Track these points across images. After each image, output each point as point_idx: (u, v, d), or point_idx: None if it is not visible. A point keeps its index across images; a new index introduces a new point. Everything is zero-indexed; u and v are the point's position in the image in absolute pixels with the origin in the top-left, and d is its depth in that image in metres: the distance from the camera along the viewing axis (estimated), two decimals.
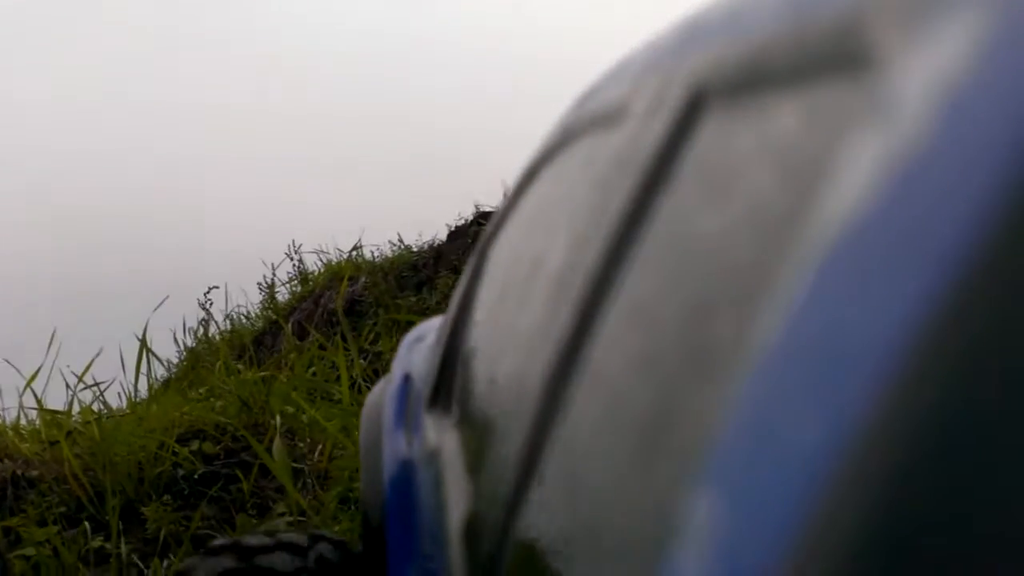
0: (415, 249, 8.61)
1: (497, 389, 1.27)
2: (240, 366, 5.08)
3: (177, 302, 6.31)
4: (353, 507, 3.41)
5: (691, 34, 0.86)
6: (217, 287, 7.40)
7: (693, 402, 0.57)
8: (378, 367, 5.55)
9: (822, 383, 0.40)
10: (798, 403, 0.41)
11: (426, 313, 7.12)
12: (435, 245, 8.51)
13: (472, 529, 1.11)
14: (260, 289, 8.90)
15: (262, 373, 4.58)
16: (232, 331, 8.08)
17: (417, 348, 2.32)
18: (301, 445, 4.06)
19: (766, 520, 0.40)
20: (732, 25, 0.74)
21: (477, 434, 1.31)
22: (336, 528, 3.23)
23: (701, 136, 0.74)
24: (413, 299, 7.58)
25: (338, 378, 5.32)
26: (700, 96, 0.76)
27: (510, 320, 1.31)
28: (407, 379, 2.20)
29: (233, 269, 8.19)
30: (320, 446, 4.05)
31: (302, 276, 9.03)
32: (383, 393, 2.33)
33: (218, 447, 3.98)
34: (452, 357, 1.76)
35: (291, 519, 3.47)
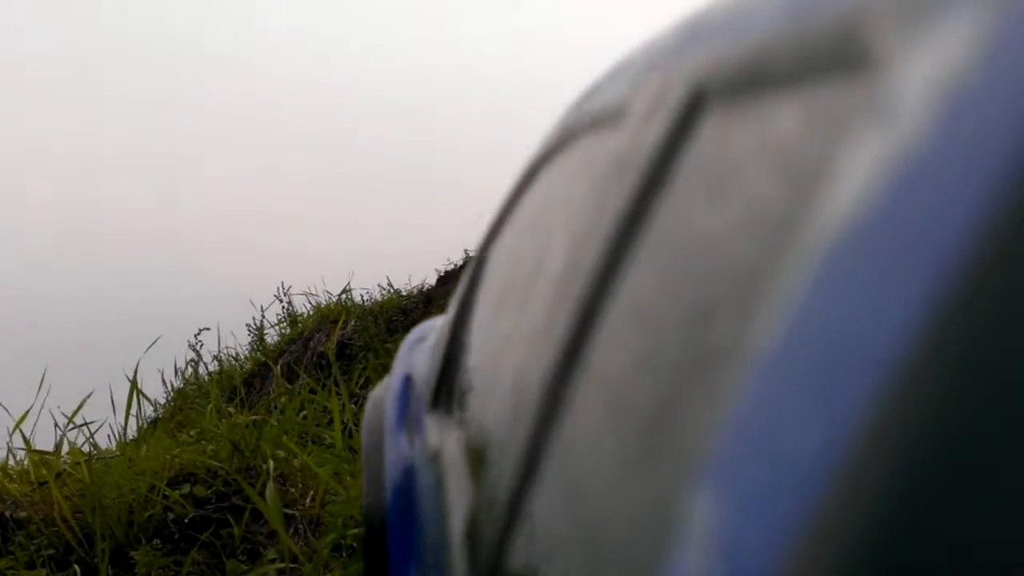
0: (404, 293, 8.62)
1: (498, 390, 1.26)
2: (231, 409, 5.07)
3: (169, 344, 6.30)
4: (345, 555, 3.40)
5: (691, 34, 0.86)
6: (208, 329, 7.41)
7: (694, 403, 0.57)
8: None
9: (822, 384, 0.39)
10: (798, 404, 0.41)
11: None
12: (424, 290, 8.52)
13: (474, 530, 1.10)
14: (249, 331, 8.89)
15: (253, 417, 4.57)
16: (221, 372, 8.06)
17: (418, 349, 2.31)
18: (292, 490, 4.06)
19: (766, 521, 0.40)
20: (732, 25, 0.74)
21: (478, 435, 1.31)
22: (327, 575, 3.22)
23: (701, 136, 0.74)
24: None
25: (329, 422, 5.32)
26: (700, 96, 0.76)
27: (511, 321, 1.30)
28: (408, 380, 2.19)
29: (224, 311, 8.19)
30: (312, 491, 4.04)
31: (291, 318, 9.03)
32: (384, 394, 2.31)
33: (209, 491, 3.97)
34: (453, 358, 1.76)
35: (282, 566, 3.45)
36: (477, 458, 1.26)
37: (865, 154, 0.44)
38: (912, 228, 0.38)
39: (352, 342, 7.86)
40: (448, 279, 8.42)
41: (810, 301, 0.44)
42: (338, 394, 5.41)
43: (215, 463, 4.02)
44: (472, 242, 8.28)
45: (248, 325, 8.78)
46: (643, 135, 0.86)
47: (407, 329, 8.05)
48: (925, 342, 0.34)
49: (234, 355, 8.59)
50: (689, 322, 0.64)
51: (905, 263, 0.37)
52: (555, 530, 0.82)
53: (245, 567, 3.61)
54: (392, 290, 8.68)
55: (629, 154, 0.88)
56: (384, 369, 6.77)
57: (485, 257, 1.81)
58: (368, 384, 6.29)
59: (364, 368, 6.86)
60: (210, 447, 4.24)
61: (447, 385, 1.74)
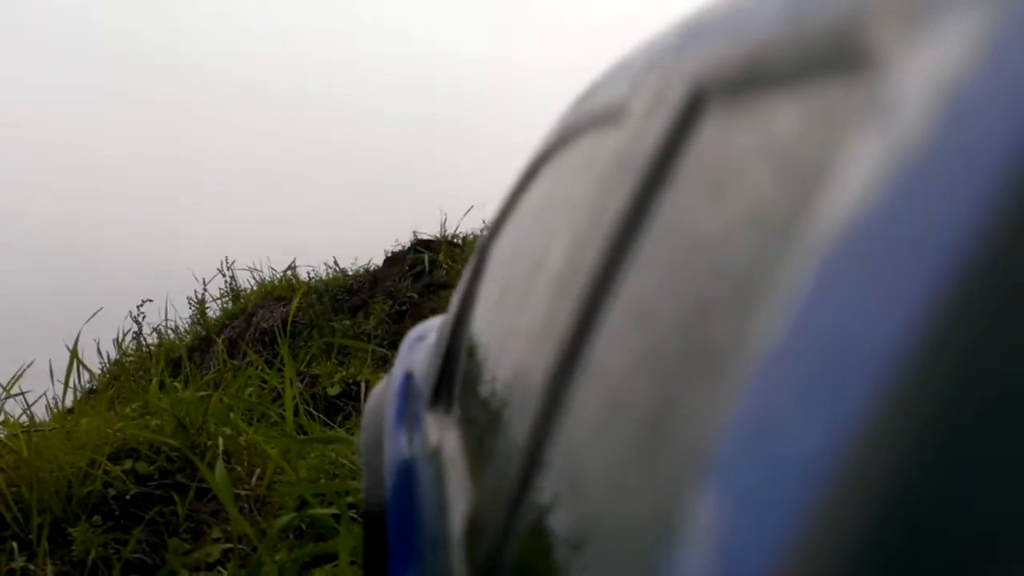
0: (351, 273, 8.55)
1: (498, 388, 1.26)
2: (177, 384, 4.96)
3: (112, 316, 6.15)
4: (293, 536, 3.34)
5: (691, 34, 0.86)
6: (151, 300, 7.25)
7: (694, 402, 0.57)
8: (316, 391, 5.48)
9: (822, 384, 0.39)
10: (798, 404, 0.41)
11: (361, 337, 7.08)
12: (371, 270, 8.46)
13: (473, 528, 1.10)
14: (190, 304, 8.75)
15: (200, 393, 4.48)
16: (160, 345, 7.92)
17: (418, 347, 2.31)
18: (239, 468, 3.98)
19: (766, 521, 0.40)
20: (732, 25, 0.74)
21: (479, 433, 1.31)
22: (277, 557, 3.16)
23: (701, 136, 0.73)
24: (348, 322, 7.51)
25: (274, 399, 5.24)
26: (700, 96, 0.76)
27: (511, 319, 1.31)
28: (408, 378, 2.19)
29: (171, 285, 8.04)
30: (258, 471, 3.97)
31: (234, 293, 8.90)
32: (384, 392, 2.32)
33: (152, 467, 3.87)
34: (453, 356, 1.75)
35: (228, 546, 3.39)
36: (477, 456, 1.26)
37: (865, 154, 0.44)
38: (912, 228, 0.38)
39: (297, 319, 7.77)
40: (395, 260, 8.36)
41: (810, 301, 0.43)
42: (279, 370, 5.33)
43: (160, 439, 3.92)
44: (422, 226, 8.21)
45: (189, 298, 8.64)
46: (643, 135, 0.85)
47: (353, 309, 8.00)
48: (925, 342, 0.34)
49: (174, 328, 8.44)
50: (689, 321, 0.64)
51: (905, 263, 0.37)
52: (555, 528, 0.82)
53: (188, 546, 3.54)
54: (338, 269, 8.59)
55: (629, 153, 0.88)
56: (330, 348, 6.69)
57: (485, 255, 1.81)
58: (313, 362, 6.22)
59: (308, 346, 6.78)
60: (154, 422, 4.14)
61: (447, 383, 1.73)
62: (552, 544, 0.81)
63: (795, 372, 0.42)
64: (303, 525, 3.36)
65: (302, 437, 4.26)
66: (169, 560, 3.22)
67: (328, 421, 5.00)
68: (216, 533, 3.58)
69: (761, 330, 0.47)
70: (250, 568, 3.03)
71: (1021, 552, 0.28)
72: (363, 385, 5.54)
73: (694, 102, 0.76)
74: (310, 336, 7.41)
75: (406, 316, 7.33)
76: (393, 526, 1.87)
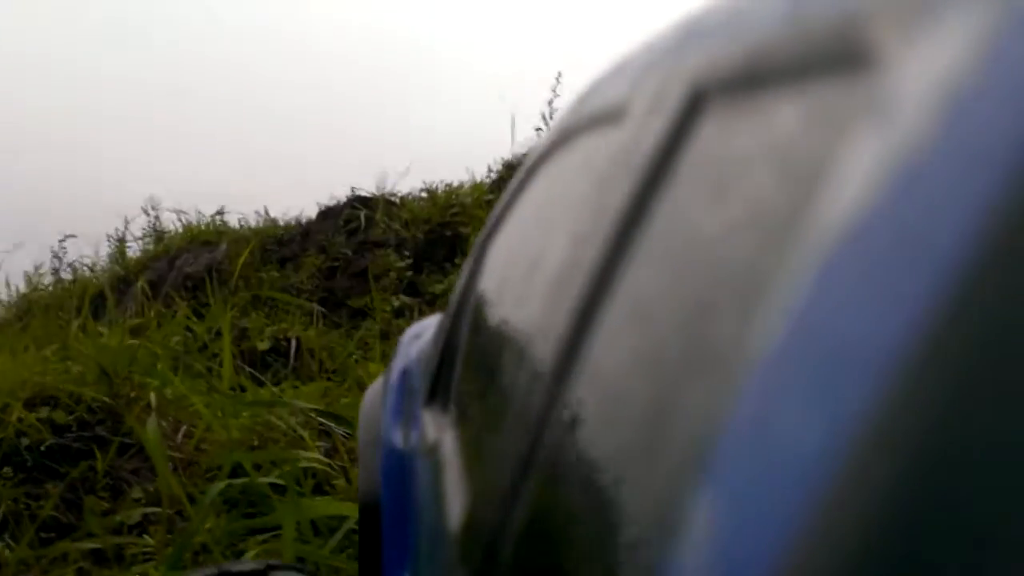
0: (282, 224, 8.32)
1: (496, 386, 1.26)
2: (102, 328, 4.67)
3: (32, 253, 5.83)
4: (222, 502, 3.13)
5: (691, 34, 0.86)
6: (75, 236, 6.91)
7: (693, 402, 0.57)
8: (244, 347, 5.24)
9: (822, 384, 0.39)
10: (798, 404, 0.41)
11: (290, 290, 6.87)
12: (303, 222, 8.25)
13: (469, 525, 1.10)
14: (109, 241, 8.41)
15: (129, 341, 4.22)
16: (75, 282, 7.59)
17: (415, 344, 2.32)
18: (164, 424, 3.75)
19: (766, 521, 0.40)
20: (732, 25, 0.74)
21: (475, 431, 1.31)
22: (207, 526, 2.96)
23: (701, 136, 0.73)
24: (276, 274, 7.29)
25: (200, 349, 5.01)
26: (700, 96, 0.75)
27: (509, 317, 1.31)
28: (405, 375, 2.19)
29: (91, 221, 7.69)
30: (185, 427, 3.75)
31: (157, 234, 8.58)
32: (381, 388, 2.32)
33: (71, 417, 3.62)
34: (451, 353, 1.75)
35: (150, 509, 3.18)
36: (473, 453, 1.26)
37: (865, 154, 0.44)
38: (912, 228, 0.38)
39: (223, 267, 7.52)
40: (329, 215, 8.14)
41: (810, 301, 0.43)
42: (197, 316, 5.08)
43: (79, 388, 3.66)
44: (362, 182, 7.98)
45: (109, 236, 8.30)
46: (643, 135, 0.85)
47: (282, 260, 7.76)
48: (925, 342, 0.34)
49: (91, 265, 8.12)
50: (688, 321, 0.64)
51: (905, 262, 0.37)
52: (552, 527, 0.82)
53: (107, 504, 3.32)
54: (269, 219, 8.33)
55: (629, 153, 0.88)
56: (257, 300, 6.45)
57: (483, 253, 1.81)
58: (241, 315, 5.97)
59: (233, 295, 6.51)
60: (76, 368, 3.87)
61: (444, 380, 1.73)
62: (550, 542, 0.81)
63: (794, 372, 0.42)
64: (240, 496, 3.16)
65: (237, 395, 4.05)
66: (87, 520, 3.01)
67: (259, 377, 4.79)
68: (137, 493, 3.37)
69: (761, 330, 0.47)
70: (182, 537, 2.84)
71: (1021, 552, 0.27)
72: (293, 341, 5.33)
73: (694, 102, 0.76)
74: (236, 286, 7.16)
75: (338, 272, 7.13)
76: (388, 522, 1.87)
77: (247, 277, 7.14)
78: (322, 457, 3.35)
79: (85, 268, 7.97)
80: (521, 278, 1.29)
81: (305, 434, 3.55)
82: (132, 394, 3.77)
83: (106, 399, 3.65)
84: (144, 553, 2.96)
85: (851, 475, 0.35)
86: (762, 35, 0.65)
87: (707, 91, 0.74)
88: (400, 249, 6.89)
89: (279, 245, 8.00)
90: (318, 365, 5.18)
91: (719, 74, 0.73)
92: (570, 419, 0.82)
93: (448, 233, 6.96)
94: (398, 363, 2.32)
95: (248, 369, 4.85)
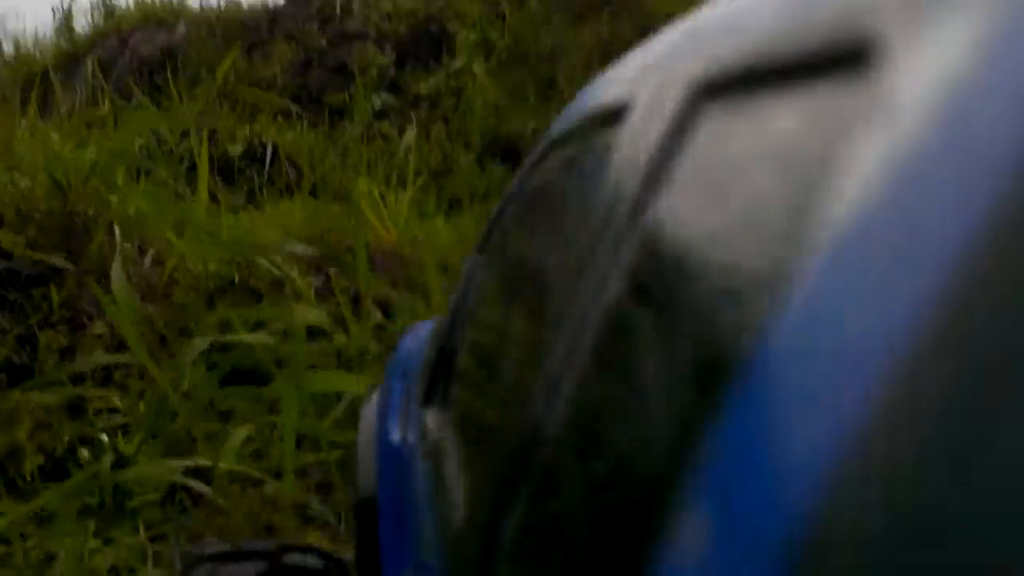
0: (246, 6, 7.69)
1: (493, 387, 1.26)
2: (53, 132, 4.12)
3: None
4: (207, 367, 2.74)
5: (691, 34, 0.86)
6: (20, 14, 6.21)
7: (694, 403, 0.56)
8: (213, 153, 4.71)
9: (823, 384, 0.39)
10: (799, 404, 0.40)
11: (260, 84, 6.31)
12: (271, 6, 7.63)
13: (466, 526, 1.10)
14: (54, 14, 7.74)
15: (85, 149, 3.69)
16: (17, 59, 6.97)
17: (414, 344, 2.30)
18: (128, 246, 3.31)
19: (766, 521, 0.39)
20: (732, 25, 0.74)
21: (473, 431, 1.31)
22: (185, 386, 2.58)
23: (701, 136, 0.73)
24: (244, 64, 6.70)
25: (160, 144, 4.52)
26: (700, 96, 0.75)
27: (507, 317, 1.32)
28: (404, 375, 2.17)
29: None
30: (152, 250, 3.32)
31: (107, 8, 7.90)
32: (380, 388, 2.32)
33: (19, 237, 3.16)
34: (449, 354, 1.76)
35: (114, 358, 2.78)
36: (471, 453, 1.26)
37: (865, 154, 0.44)
38: (912, 227, 0.37)
39: (181, 50, 6.91)
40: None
41: (810, 300, 0.43)
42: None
43: (29, 206, 3.17)
44: None
45: (54, 8, 7.61)
46: (643, 135, 0.84)
47: (248, 48, 7.13)
48: (926, 342, 0.33)
49: (33, 41, 7.47)
50: (689, 320, 0.64)
51: (906, 262, 0.36)
52: (550, 525, 0.82)
53: (65, 340, 2.94)
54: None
55: (629, 154, 0.87)
56: (223, 94, 5.91)
57: (483, 253, 1.81)
58: (213, 110, 5.41)
59: (202, 88, 5.93)
60: (24, 182, 3.35)
61: (442, 381, 1.73)
62: (547, 540, 0.81)
63: (795, 372, 0.42)
64: (218, 362, 2.77)
65: (213, 220, 3.60)
66: (46, 370, 2.62)
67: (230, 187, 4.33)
68: (99, 327, 2.98)
69: (760, 330, 0.47)
70: (154, 402, 2.47)
71: (1021, 552, 0.27)
72: (269, 146, 4.84)
73: (694, 102, 0.75)
74: (199, 74, 6.56)
75: (312, 65, 6.57)
76: (385, 521, 1.86)
77: (210, 66, 6.53)
78: (320, 313, 2.96)
79: (28, 43, 7.31)
80: (520, 277, 1.29)
81: (295, 275, 3.14)
82: (89, 211, 3.29)
83: (59, 216, 3.18)
84: (110, 409, 2.60)
85: (851, 475, 0.34)
86: (762, 35, 0.65)
87: (707, 91, 0.73)
88: (381, 43, 6.34)
89: (244, 29, 7.37)
90: (296, 173, 4.73)
91: (719, 74, 0.72)
92: (569, 418, 0.82)
93: (434, 28, 6.41)
94: (397, 363, 2.33)
95: (218, 179, 4.37)
